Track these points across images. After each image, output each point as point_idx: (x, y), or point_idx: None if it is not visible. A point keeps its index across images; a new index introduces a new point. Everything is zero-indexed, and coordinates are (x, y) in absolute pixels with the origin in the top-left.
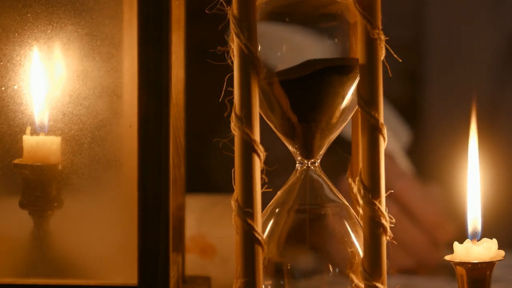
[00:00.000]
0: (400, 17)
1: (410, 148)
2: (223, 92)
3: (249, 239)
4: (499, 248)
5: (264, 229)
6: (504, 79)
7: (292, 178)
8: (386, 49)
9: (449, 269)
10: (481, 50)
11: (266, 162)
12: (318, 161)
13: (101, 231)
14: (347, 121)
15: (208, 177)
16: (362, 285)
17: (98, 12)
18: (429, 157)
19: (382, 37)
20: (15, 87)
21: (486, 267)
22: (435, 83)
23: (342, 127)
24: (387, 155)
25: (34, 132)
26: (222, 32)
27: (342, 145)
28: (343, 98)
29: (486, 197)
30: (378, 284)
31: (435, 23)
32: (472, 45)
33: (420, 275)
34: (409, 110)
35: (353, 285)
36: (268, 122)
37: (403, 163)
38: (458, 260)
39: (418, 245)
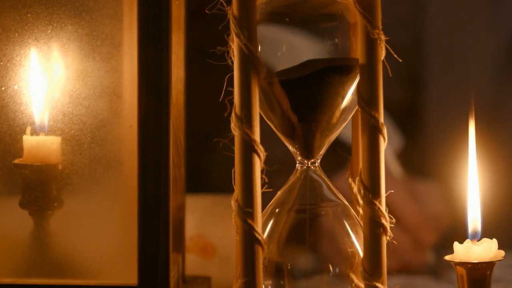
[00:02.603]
0: (400, 19)
1: (410, 149)
2: (223, 92)
3: (249, 239)
4: (499, 248)
5: (264, 229)
6: (504, 80)
7: (292, 178)
8: (386, 49)
9: (431, 270)
10: (480, 51)
11: (266, 162)
12: (318, 161)
13: (101, 231)
14: (347, 121)
15: (208, 177)
16: (362, 285)
17: (98, 12)
18: (429, 158)
19: (382, 37)
20: (15, 87)
21: (486, 267)
22: (435, 84)
23: (342, 127)
24: None
25: (34, 132)
26: (222, 32)
27: (342, 146)
28: (343, 98)
29: (486, 197)
30: (378, 284)
31: (434, 24)
32: (472, 46)
33: (402, 275)
34: (409, 111)
35: (353, 285)
36: (268, 122)
37: (393, 166)
38: (458, 260)
39: (401, 246)
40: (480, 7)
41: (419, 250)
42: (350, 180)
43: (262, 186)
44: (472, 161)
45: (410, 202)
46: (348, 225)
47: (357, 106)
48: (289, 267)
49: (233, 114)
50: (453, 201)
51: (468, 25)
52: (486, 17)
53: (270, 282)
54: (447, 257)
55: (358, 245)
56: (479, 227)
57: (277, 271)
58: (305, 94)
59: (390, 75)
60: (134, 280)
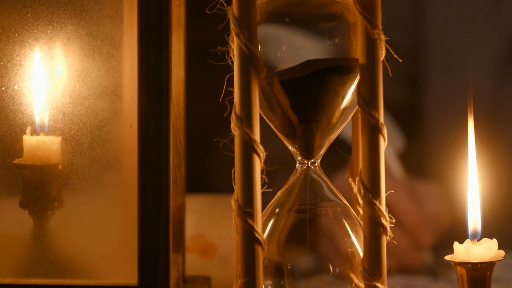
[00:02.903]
0: (400, 19)
1: (410, 150)
2: (223, 92)
3: (249, 239)
4: (499, 248)
5: (264, 229)
6: (504, 79)
7: (292, 178)
8: (386, 49)
9: (431, 269)
10: (481, 51)
11: (266, 162)
12: (318, 161)
13: (101, 231)
14: (347, 121)
15: (208, 177)
16: (362, 285)
17: (98, 12)
18: (429, 158)
19: (382, 37)
20: (15, 87)
21: (486, 267)
22: (435, 84)
23: (342, 127)
24: None
25: (34, 132)
26: (222, 32)
27: (342, 146)
28: (343, 98)
29: (486, 197)
30: (378, 284)
31: (434, 24)
32: (472, 46)
33: (401, 275)
34: (409, 112)
35: (353, 285)
36: (268, 122)
37: (394, 166)
38: (458, 260)
39: (399, 246)
40: (480, 7)
41: (417, 250)
42: (350, 180)
43: (262, 186)
44: (472, 161)
45: (409, 203)
46: (348, 225)
47: (357, 106)
48: (289, 267)
49: (233, 114)
50: (453, 201)
51: (468, 25)
52: (486, 17)
53: (270, 282)
54: (447, 257)
55: (358, 245)
56: (479, 227)
57: (277, 271)
58: (305, 94)
59: (390, 75)
60: (134, 280)
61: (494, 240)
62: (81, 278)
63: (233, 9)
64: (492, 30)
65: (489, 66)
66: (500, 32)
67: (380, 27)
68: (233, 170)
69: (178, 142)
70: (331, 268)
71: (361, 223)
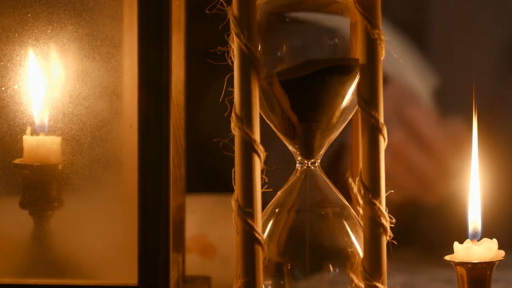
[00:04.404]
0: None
1: None
2: (223, 92)
3: (249, 239)
4: (499, 248)
5: (264, 229)
6: (505, 79)
7: (292, 178)
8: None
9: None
10: (481, 50)
11: (266, 162)
12: (318, 161)
13: (101, 231)
14: (347, 121)
15: (208, 177)
16: (362, 285)
17: (98, 12)
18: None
19: (382, 37)
20: (15, 87)
21: (486, 267)
22: (435, 84)
23: (342, 127)
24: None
25: (34, 132)
26: (222, 32)
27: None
28: (343, 98)
29: (487, 197)
30: (378, 284)
31: (434, 25)
32: (472, 46)
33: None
34: None
35: (353, 285)
36: (268, 122)
37: (426, 102)
38: (458, 260)
39: (425, 171)
40: (481, 7)
41: (444, 177)
42: (350, 180)
43: (262, 186)
44: (474, 160)
45: (439, 130)
46: (348, 225)
47: (357, 106)
48: (289, 267)
49: (233, 114)
50: (453, 201)
51: (468, 25)
52: (487, 17)
53: (270, 282)
54: (447, 257)
55: (358, 245)
56: (479, 227)
57: (277, 271)
58: (305, 94)
59: (391, 75)
60: (134, 280)
61: (494, 240)
62: (81, 278)
63: (233, 9)
64: (493, 30)
65: (490, 66)
66: (501, 32)
67: (380, 27)
68: (233, 170)
69: (178, 142)
70: (331, 268)
71: (361, 223)
